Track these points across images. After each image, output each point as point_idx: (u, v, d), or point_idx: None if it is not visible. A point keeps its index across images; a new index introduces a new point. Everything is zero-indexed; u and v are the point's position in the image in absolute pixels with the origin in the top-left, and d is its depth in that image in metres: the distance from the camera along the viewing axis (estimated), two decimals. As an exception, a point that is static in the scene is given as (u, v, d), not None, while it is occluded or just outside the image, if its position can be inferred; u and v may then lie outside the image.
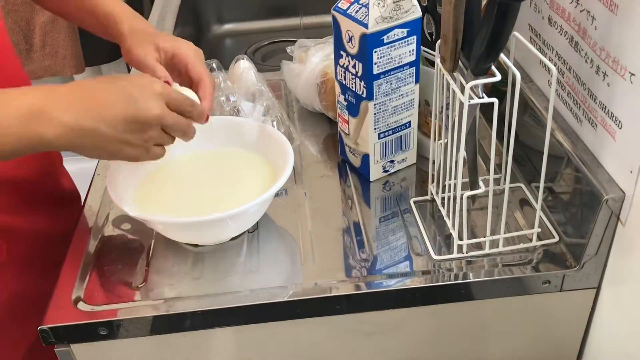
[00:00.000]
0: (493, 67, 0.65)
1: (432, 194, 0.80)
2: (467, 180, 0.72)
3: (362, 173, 0.85)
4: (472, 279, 0.70)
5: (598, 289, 0.72)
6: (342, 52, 0.78)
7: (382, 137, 0.82)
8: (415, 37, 0.76)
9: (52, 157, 0.87)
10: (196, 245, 0.75)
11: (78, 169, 1.03)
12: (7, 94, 0.59)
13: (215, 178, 0.80)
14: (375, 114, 0.79)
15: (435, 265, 0.71)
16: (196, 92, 0.73)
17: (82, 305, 0.68)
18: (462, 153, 0.67)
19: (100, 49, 1.88)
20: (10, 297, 0.77)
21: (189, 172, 0.81)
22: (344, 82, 0.81)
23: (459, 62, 0.66)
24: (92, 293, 0.70)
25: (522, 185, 0.81)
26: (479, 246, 0.73)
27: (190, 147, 0.82)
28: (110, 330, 0.67)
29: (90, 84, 0.63)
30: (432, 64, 0.81)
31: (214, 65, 0.99)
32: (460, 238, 0.72)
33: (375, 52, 0.74)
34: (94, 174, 0.87)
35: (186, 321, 0.68)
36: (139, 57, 0.75)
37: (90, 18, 0.82)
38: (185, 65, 0.75)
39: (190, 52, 0.76)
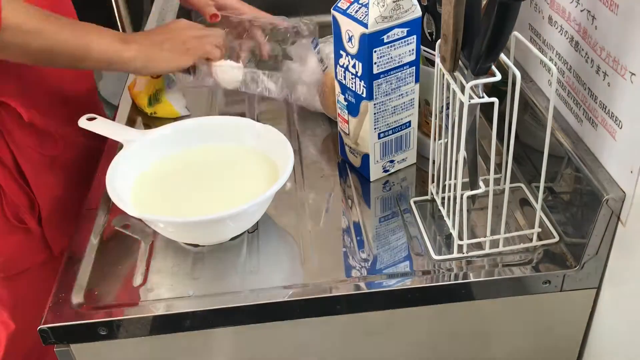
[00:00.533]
0: (493, 67, 0.65)
1: (432, 193, 0.80)
2: (467, 180, 0.72)
3: (362, 173, 0.85)
4: (472, 279, 0.70)
5: (598, 289, 0.72)
6: (341, 52, 0.78)
7: (382, 137, 0.82)
8: (415, 36, 0.76)
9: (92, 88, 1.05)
10: (196, 245, 0.75)
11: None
12: (101, 29, 0.81)
13: (215, 177, 0.80)
14: (375, 113, 0.79)
15: (436, 265, 0.71)
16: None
17: (82, 305, 0.68)
18: (462, 153, 0.67)
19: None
20: (62, 193, 0.92)
21: (188, 171, 0.81)
22: (343, 82, 0.81)
23: (459, 61, 0.66)
24: (92, 293, 0.70)
25: (522, 185, 0.81)
26: (479, 246, 0.73)
27: (189, 145, 0.82)
28: (110, 330, 0.67)
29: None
30: (432, 63, 0.81)
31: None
32: (461, 238, 0.72)
33: (375, 51, 0.74)
34: (94, 175, 0.87)
35: (186, 321, 0.68)
36: None
37: None
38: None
39: None
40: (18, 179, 0.86)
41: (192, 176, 0.80)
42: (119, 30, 1.70)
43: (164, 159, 0.81)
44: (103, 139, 0.86)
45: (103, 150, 0.91)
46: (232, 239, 0.76)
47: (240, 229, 0.75)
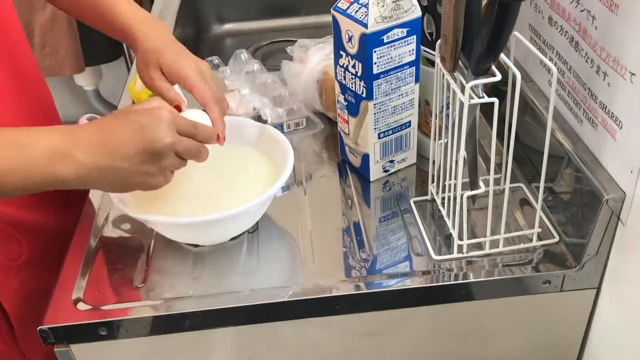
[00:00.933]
0: (493, 67, 0.65)
1: (432, 194, 0.80)
2: (467, 180, 0.72)
3: (362, 173, 0.85)
4: (472, 279, 0.70)
5: (598, 289, 0.72)
6: (341, 52, 0.78)
7: (382, 137, 0.82)
8: (415, 36, 0.76)
9: None
10: (196, 245, 0.75)
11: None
12: (35, 133, 0.62)
13: (215, 177, 0.79)
14: (375, 113, 0.79)
15: (435, 265, 0.71)
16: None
17: (82, 306, 0.68)
18: (462, 153, 0.67)
19: (100, 49, 1.88)
20: (31, 294, 0.78)
21: (188, 171, 0.81)
22: (343, 82, 0.81)
23: (459, 61, 0.66)
24: (92, 293, 0.70)
25: (522, 185, 0.81)
26: (479, 246, 0.73)
27: None
28: (110, 330, 0.67)
29: (108, 121, 0.65)
30: (432, 63, 0.81)
31: (216, 61, 0.99)
32: (461, 238, 0.72)
33: (375, 51, 0.74)
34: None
35: (186, 321, 0.68)
36: (149, 82, 0.75)
37: (107, 29, 0.83)
38: (190, 88, 0.73)
39: (191, 74, 0.73)
40: None
41: (191, 176, 0.80)
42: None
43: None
44: (75, 215, 0.80)
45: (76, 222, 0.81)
46: (232, 239, 0.76)
47: (241, 229, 0.75)
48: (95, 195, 0.83)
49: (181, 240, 0.75)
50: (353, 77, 0.78)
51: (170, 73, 0.74)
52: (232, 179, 0.79)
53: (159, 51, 0.75)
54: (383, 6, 0.73)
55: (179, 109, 0.71)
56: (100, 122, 0.65)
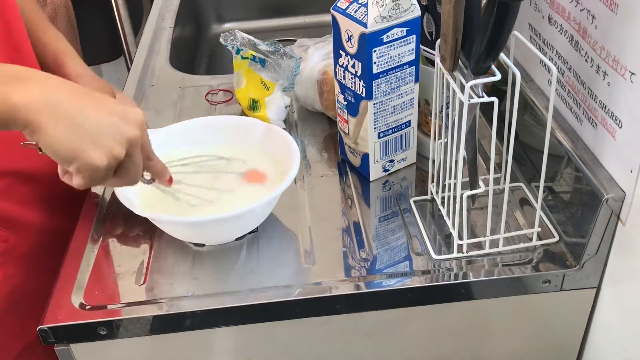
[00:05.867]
0: (493, 67, 0.65)
1: (432, 193, 0.80)
2: (467, 179, 0.72)
3: (362, 172, 0.85)
4: (472, 279, 0.70)
5: (598, 288, 0.72)
6: (341, 52, 0.78)
7: (382, 137, 0.82)
8: (414, 36, 0.76)
9: None
10: (201, 245, 0.75)
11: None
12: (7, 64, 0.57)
13: (220, 177, 0.80)
14: (374, 113, 0.79)
15: (435, 265, 0.71)
16: None
17: (82, 305, 0.68)
18: (462, 152, 0.67)
19: (100, 49, 1.88)
20: (13, 290, 0.77)
21: (194, 170, 0.81)
22: (343, 82, 0.81)
23: (459, 61, 0.66)
24: (92, 293, 0.70)
25: (522, 184, 0.81)
26: (479, 246, 0.73)
27: (195, 145, 0.82)
28: (110, 330, 0.67)
29: (88, 89, 0.60)
30: (432, 63, 0.81)
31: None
32: (460, 237, 0.72)
33: (375, 51, 0.74)
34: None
35: (186, 321, 0.68)
36: None
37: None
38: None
39: None
40: None
41: (198, 176, 0.80)
42: (118, 31, 1.70)
43: (170, 159, 0.81)
44: (74, 219, 0.78)
45: (72, 233, 0.78)
46: (236, 239, 0.76)
47: (248, 228, 0.76)
48: (95, 195, 0.83)
49: (188, 239, 0.75)
50: (353, 76, 0.78)
51: None
52: (237, 179, 0.79)
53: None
54: (382, 6, 0.73)
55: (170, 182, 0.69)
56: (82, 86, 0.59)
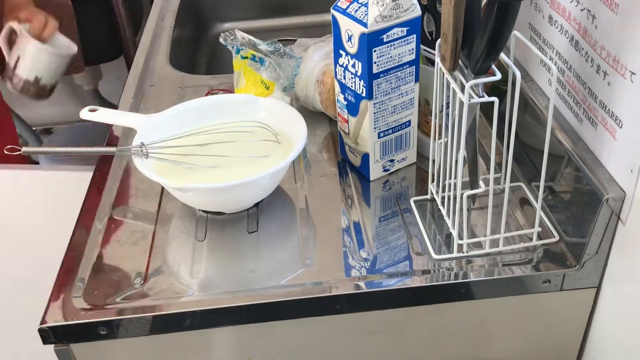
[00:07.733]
0: (493, 66, 0.65)
1: (432, 193, 0.80)
2: (467, 179, 0.72)
3: (362, 172, 0.85)
4: (472, 279, 0.70)
5: (598, 288, 0.72)
6: (341, 52, 0.78)
7: (382, 136, 0.82)
8: (414, 35, 0.76)
9: None
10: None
11: (78, 173, 1.03)
12: None
13: (231, 148, 0.82)
14: (375, 113, 0.79)
15: (435, 265, 0.71)
16: None
17: (81, 305, 0.68)
18: (462, 152, 0.67)
19: (99, 48, 1.88)
20: None
21: (204, 145, 0.82)
22: (343, 82, 0.81)
23: (459, 61, 0.66)
24: (91, 292, 0.70)
25: (522, 184, 0.81)
26: (479, 245, 0.73)
27: (202, 122, 0.86)
28: (110, 329, 0.67)
29: None
30: (432, 63, 0.81)
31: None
32: (461, 237, 0.72)
33: (375, 51, 0.74)
34: (92, 175, 0.88)
35: (186, 321, 0.68)
36: None
37: None
38: None
39: None
40: None
41: (208, 149, 0.82)
42: (118, 31, 1.70)
43: (179, 136, 0.83)
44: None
45: None
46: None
47: (264, 193, 0.80)
48: (95, 195, 0.83)
49: (207, 208, 0.79)
50: (353, 76, 0.78)
51: None
52: (248, 151, 0.82)
53: None
54: (383, 5, 0.73)
55: None
56: None
